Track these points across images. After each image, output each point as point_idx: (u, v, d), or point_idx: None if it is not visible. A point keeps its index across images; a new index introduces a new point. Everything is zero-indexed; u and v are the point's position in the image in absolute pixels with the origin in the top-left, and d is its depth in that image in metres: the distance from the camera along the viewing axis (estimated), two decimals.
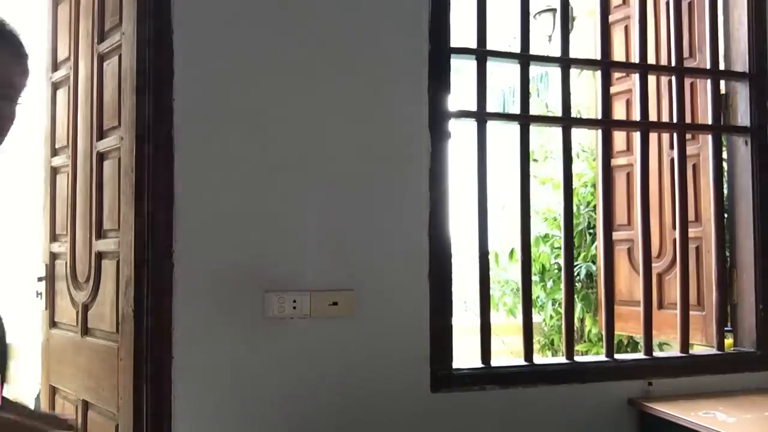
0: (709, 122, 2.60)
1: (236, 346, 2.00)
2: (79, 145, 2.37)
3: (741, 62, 2.61)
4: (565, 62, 2.44)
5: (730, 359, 2.50)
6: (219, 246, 2.00)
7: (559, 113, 2.45)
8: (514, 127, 2.40)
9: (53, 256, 2.57)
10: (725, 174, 2.65)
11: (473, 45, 2.31)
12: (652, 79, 2.67)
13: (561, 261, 2.56)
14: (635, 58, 2.64)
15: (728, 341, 2.59)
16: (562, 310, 2.43)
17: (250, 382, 2.01)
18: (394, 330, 2.12)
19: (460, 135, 2.51)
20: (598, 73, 2.52)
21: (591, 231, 4.63)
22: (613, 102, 2.70)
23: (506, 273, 4.97)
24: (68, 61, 2.48)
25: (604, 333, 2.48)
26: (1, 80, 1.24)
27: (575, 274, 4.41)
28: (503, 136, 3.02)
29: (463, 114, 2.31)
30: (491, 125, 2.32)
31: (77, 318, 2.32)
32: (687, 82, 2.63)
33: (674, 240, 2.67)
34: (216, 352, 1.98)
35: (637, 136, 2.61)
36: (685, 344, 2.50)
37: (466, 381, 2.18)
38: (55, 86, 2.59)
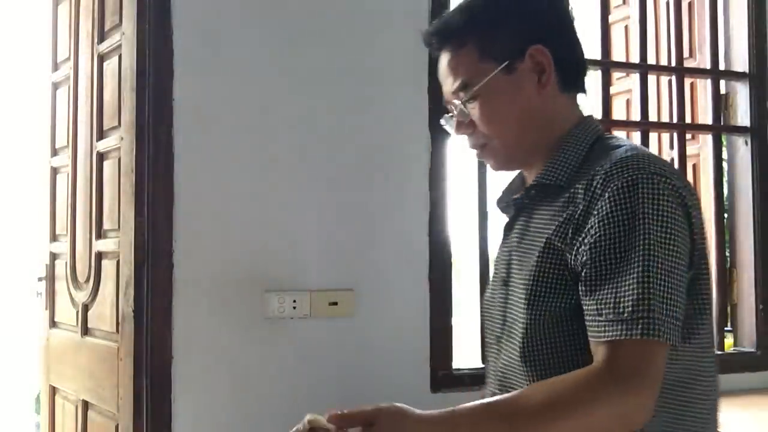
0: (709, 122, 2.60)
1: (236, 346, 2.00)
2: (79, 145, 2.37)
3: (741, 62, 2.61)
4: None
5: (730, 359, 2.50)
6: (219, 246, 2.00)
7: None
8: None
9: (53, 256, 2.57)
10: (725, 174, 2.65)
11: None
12: (652, 79, 2.67)
13: None
14: (635, 58, 2.64)
15: (728, 341, 2.59)
16: None
17: (250, 382, 2.01)
18: (394, 330, 2.12)
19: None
20: (598, 72, 2.52)
21: None
22: (613, 102, 2.71)
23: None
24: (68, 61, 2.48)
25: None
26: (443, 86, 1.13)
27: None
28: None
29: None
30: None
31: (77, 318, 2.32)
32: (687, 82, 2.63)
33: None
34: (216, 352, 1.98)
35: (637, 136, 2.61)
36: None
37: (466, 381, 2.17)
38: (55, 86, 2.59)
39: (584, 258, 0.96)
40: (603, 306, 0.93)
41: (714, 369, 1.06)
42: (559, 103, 1.11)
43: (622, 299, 0.92)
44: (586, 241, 0.96)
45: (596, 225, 0.96)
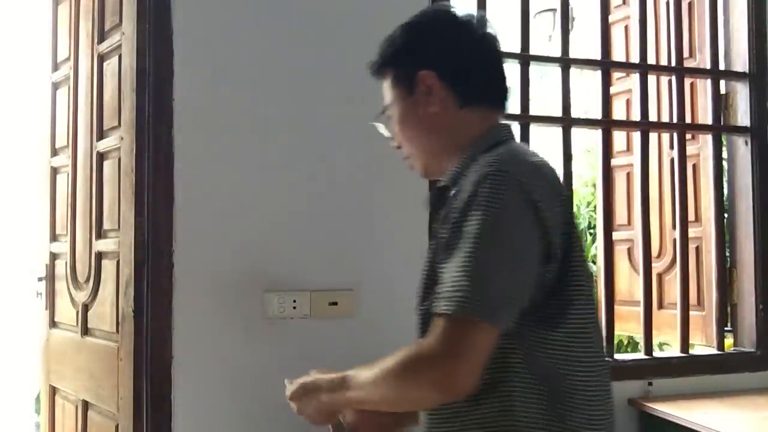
0: (709, 122, 2.60)
1: (236, 346, 2.00)
2: (79, 145, 2.38)
3: (741, 62, 2.61)
4: (565, 62, 2.43)
5: (730, 359, 2.50)
6: (219, 246, 2.00)
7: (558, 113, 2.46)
8: (515, 127, 2.41)
9: (53, 256, 2.57)
10: (725, 174, 2.65)
11: None
12: (652, 79, 2.67)
13: None
14: (635, 58, 2.64)
15: (728, 341, 2.59)
16: None
17: (250, 382, 2.01)
18: (394, 330, 2.11)
19: None
20: (598, 72, 2.52)
21: (591, 231, 4.63)
22: (613, 102, 2.71)
23: None
24: (68, 61, 2.48)
25: (604, 333, 2.48)
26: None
27: None
28: None
29: None
30: None
31: (77, 318, 2.32)
32: (687, 82, 2.63)
33: (674, 240, 2.67)
34: (216, 352, 1.98)
35: (637, 136, 2.61)
36: (685, 344, 2.49)
37: None
38: (55, 86, 2.59)
39: (439, 246, 1.09)
40: (439, 286, 1.03)
41: (592, 362, 1.11)
42: (459, 119, 1.22)
43: (447, 279, 1.01)
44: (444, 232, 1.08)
45: (449, 217, 1.08)
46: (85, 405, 2.28)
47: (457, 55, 1.23)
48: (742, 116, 2.60)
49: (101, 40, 2.24)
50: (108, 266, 2.15)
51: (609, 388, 1.16)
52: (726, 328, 2.60)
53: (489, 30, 1.26)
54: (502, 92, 1.27)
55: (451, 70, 1.22)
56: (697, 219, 2.69)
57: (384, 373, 1.06)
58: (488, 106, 1.25)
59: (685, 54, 2.69)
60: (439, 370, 0.98)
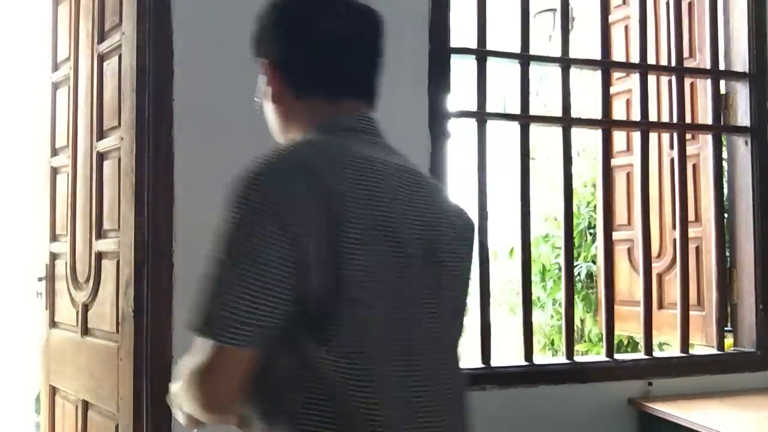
0: (709, 122, 2.60)
1: None
2: (79, 145, 2.38)
3: (741, 62, 2.61)
4: (565, 62, 2.43)
5: (730, 359, 2.50)
6: None
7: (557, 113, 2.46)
8: (515, 127, 2.41)
9: (53, 256, 2.57)
10: (725, 174, 2.65)
11: (473, 45, 2.31)
12: (652, 79, 2.67)
13: (561, 261, 2.56)
14: (635, 58, 2.64)
15: (728, 341, 2.59)
16: (562, 310, 2.43)
17: None
18: None
19: (461, 135, 2.51)
20: (598, 72, 2.52)
21: (591, 231, 4.63)
22: (613, 102, 2.71)
23: (506, 272, 4.97)
24: (68, 61, 2.48)
25: (604, 333, 2.48)
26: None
27: (575, 274, 4.41)
28: (503, 136, 3.02)
29: (463, 114, 2.31)
30: (491, 125, 2.32)
31: (77, 318, 2.32)
32: (687, 82, 2.63)
33: (674, 240, 2.67)
34: None
35: (637, 136, 2.61)
36: (685, 344, 2.50)
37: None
38: (55, 86, 2.59)
39: None
40: None
41: (371, 383, 0.97)
42: (296, 109, 1.16)
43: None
44: None
45: None
46: (85, 405, 2.28)
47: (291, 42, 1.15)
48: (742, 116, 2.60)
49: (101, 40, 2.24)
50: (108, 266, 2.15)
51: (423, 417, 1.03)
52: (726, 328, 2.60)
53: (356, 11, 1.15)
54: (353, 80, 1.16)
55: (285, 59, 1.16)
56: (697, 219, 2.69)
57: (177, 388, 1.09)
58: (329, 96, 1.14)
59: (685, 54, 2.69)
60: (197, 386, 0.98)
